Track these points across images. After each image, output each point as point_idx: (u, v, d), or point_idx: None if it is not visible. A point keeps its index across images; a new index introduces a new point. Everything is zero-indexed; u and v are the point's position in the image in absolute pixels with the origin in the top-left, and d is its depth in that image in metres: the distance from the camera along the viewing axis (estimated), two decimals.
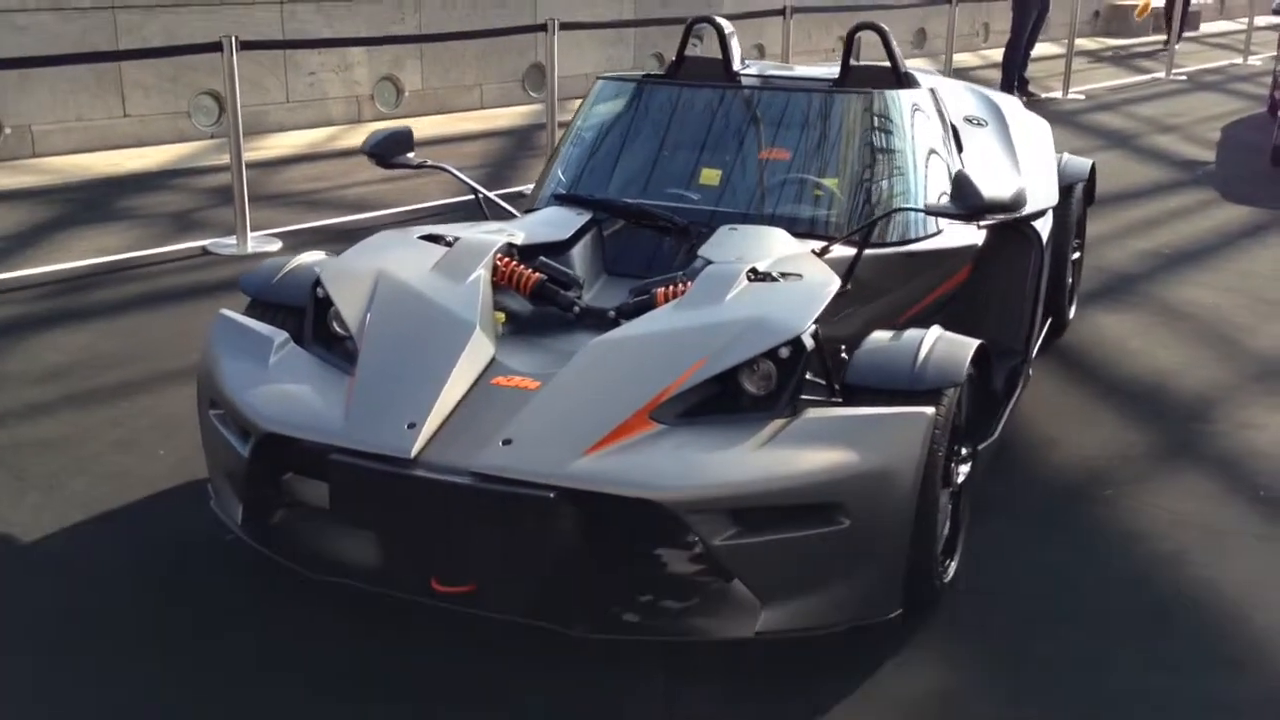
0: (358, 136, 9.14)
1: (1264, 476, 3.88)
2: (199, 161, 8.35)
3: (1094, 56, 15.26)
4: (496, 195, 4.33)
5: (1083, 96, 12.16)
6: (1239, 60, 15.39)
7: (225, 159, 6.37)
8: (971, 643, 2.98)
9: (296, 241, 6.35)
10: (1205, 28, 18.83)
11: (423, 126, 9.71)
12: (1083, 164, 5.10)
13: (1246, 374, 4.77)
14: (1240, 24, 17.23)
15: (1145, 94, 12.57)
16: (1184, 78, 13.74)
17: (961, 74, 12.47)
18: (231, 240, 6.35)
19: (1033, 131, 4.88)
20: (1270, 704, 2.78)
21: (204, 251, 6.24)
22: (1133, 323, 5.35)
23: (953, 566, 3.17)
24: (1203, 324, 5.35)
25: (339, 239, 6.33)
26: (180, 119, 8.99)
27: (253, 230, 6.38)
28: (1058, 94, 12.14)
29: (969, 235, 4.08)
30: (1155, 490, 3.77)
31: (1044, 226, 4.38)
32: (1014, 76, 11.89)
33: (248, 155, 7.04)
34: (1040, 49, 13.96)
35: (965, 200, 3.34)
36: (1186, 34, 16.75)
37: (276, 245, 6.31)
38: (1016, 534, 3.50)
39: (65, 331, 5.03)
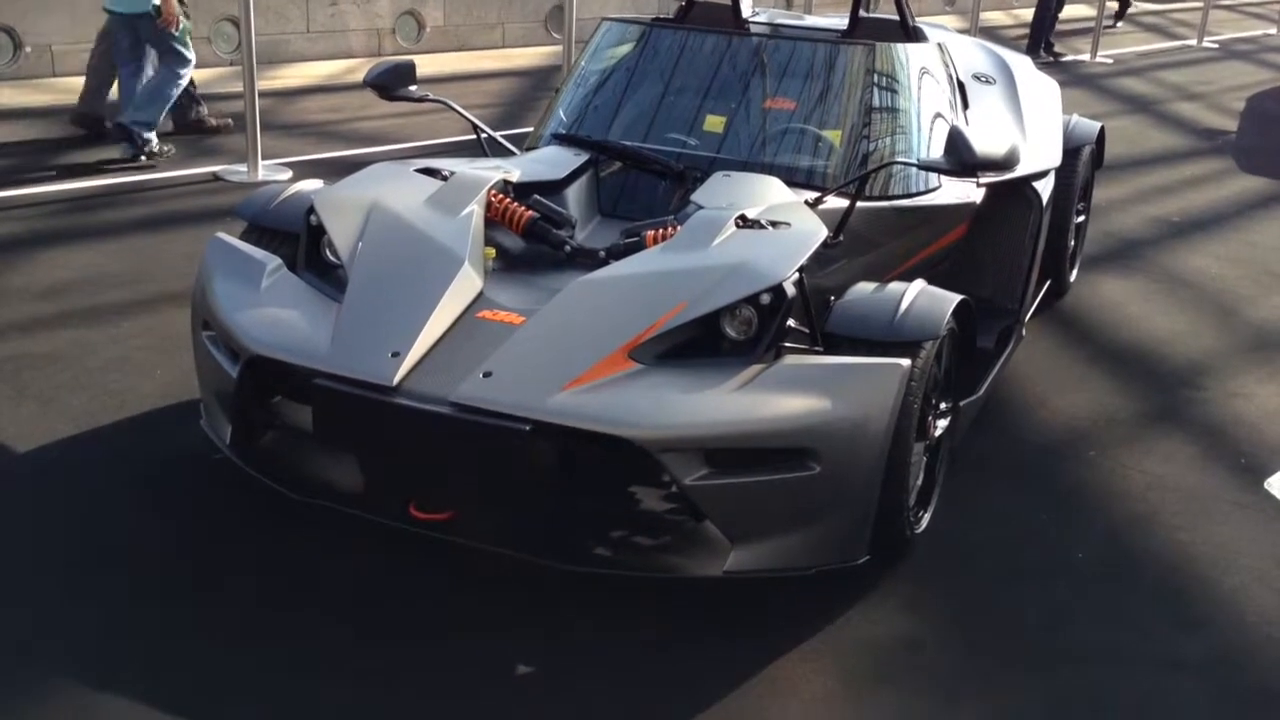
0: None
1: (1247, 444, 3.90)
2: (217, 88, 8.34)
3: (1127, 20, 15.04)
4: (506, 134, 4.35)
5: (1111, 60, 12.02)
6: (1273, 30, 15.17)
7: (240, 86, 6.38)
8: (939, 592, 3.03)
9: (307, 171, 6.37)
10: None
11: (442, 63, 9.71)
12: (1091, 126, 5.07)
13: (1242, 344, 4.78)
14: None
15: (1174, 60, 12.42)
16: (1215, 46, 13.57)
17: (989, 32, 12.34)
18: (242, 167, 6.39)
19: (1041, 92, 4.85)
20: (1224, 664, 2.82)
21: (215, 177, 6.28)
22: (1134, 288, 5.35)
23: (926, 517, 3.21)
24: (1204, 293, 5.34)
25: (349, 171, 6.31)
26: (200, 44, 8.97)
27: (264, 159, 6.41)
28: (1085, 56, 12.01)
29: (967, 193, 4.08)
30: (1138, 453, 3.80)
31: (1045, 187, 4.37)
32: (1041, 37, 11.77)
33: (265, 84, 7.06)
34: (1073, 10, 13.81)
35: (958, 156, 3.34)
36: (1222, 2, 16.52)
37: (287, 174, 6.34)
38: (994, 489, 3.54)
39: (72, 249, 5.09)
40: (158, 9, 6.35)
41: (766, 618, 2.87)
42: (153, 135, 6.48)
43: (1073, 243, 5.13)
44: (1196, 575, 3.16)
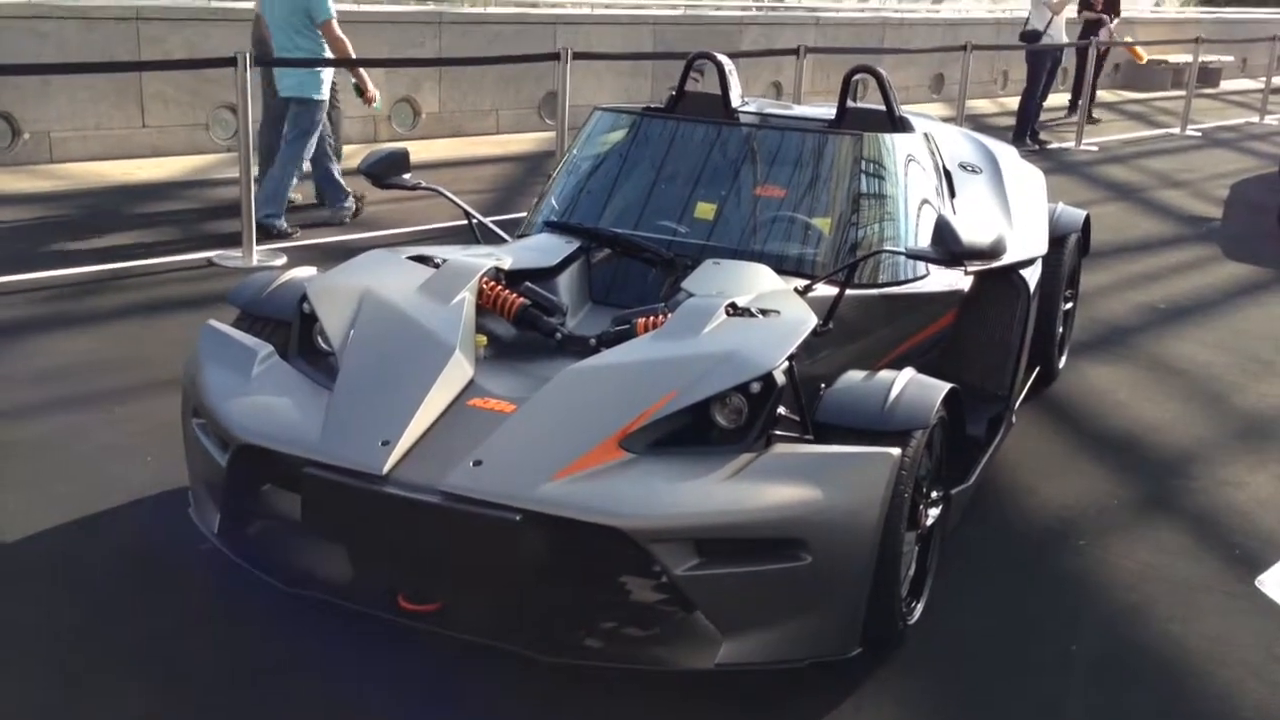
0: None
1: (1239, 534, 3.89)
2: (213, 174, 8.46)
3: (1110, 109, 15.31)
4: (499, 220, 4.39)
5: (1095, 148, 12.21)
6: (1255, 119, 15.43)
7: (237, 172, 6.46)
8: (932, 685, 3.00)
9: (302, 256, 6.42)
10: (1225, 84, 18.90)
11: (437, 149, 9.84)
12: (1076, 215, 5.14)
13: (1231, 432, 4.79)
14: (1260, 83, 17.27)
15: (1158, 148, 12.61)
16: (1199, 134, 13.79)
17: (976, 120, 12.56)
18: (238, 253, 6.43)
19: (1026, 180, 4.92)
20: None
21: (209, 263, 6.32)
22: (1122, 375, 5.37)
23: (919, 608, 3.19)
24: (1192, 380, 5.37)
25: (344, 256, 6.37)
26: (198, 131, 9.11)
27: (259, 244, 6.46)
28: (1071, 144, 12.20)
29: (955, 280, 4.12)
30: (1129, 542, 3.79)
31: (1032, 275, 4.41)
32: (1028, 125, 11.96)
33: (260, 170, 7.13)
34: (1059, 99, 14.06)
35: (945, 245, 3.38)
36: (1204, 90, 16.83)
37: (281, 260, 6.38)
38: (986, 579, 3.52)
39: (66, 335, 5.10)
40: (357, 88, 7.13)
41: (757, 713, 2.84)
42: (281, 220, 6.98)
43: (1061, 329, 5.16)
44: (1191, 669, 3.13)
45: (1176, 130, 13.84)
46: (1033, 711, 2.92)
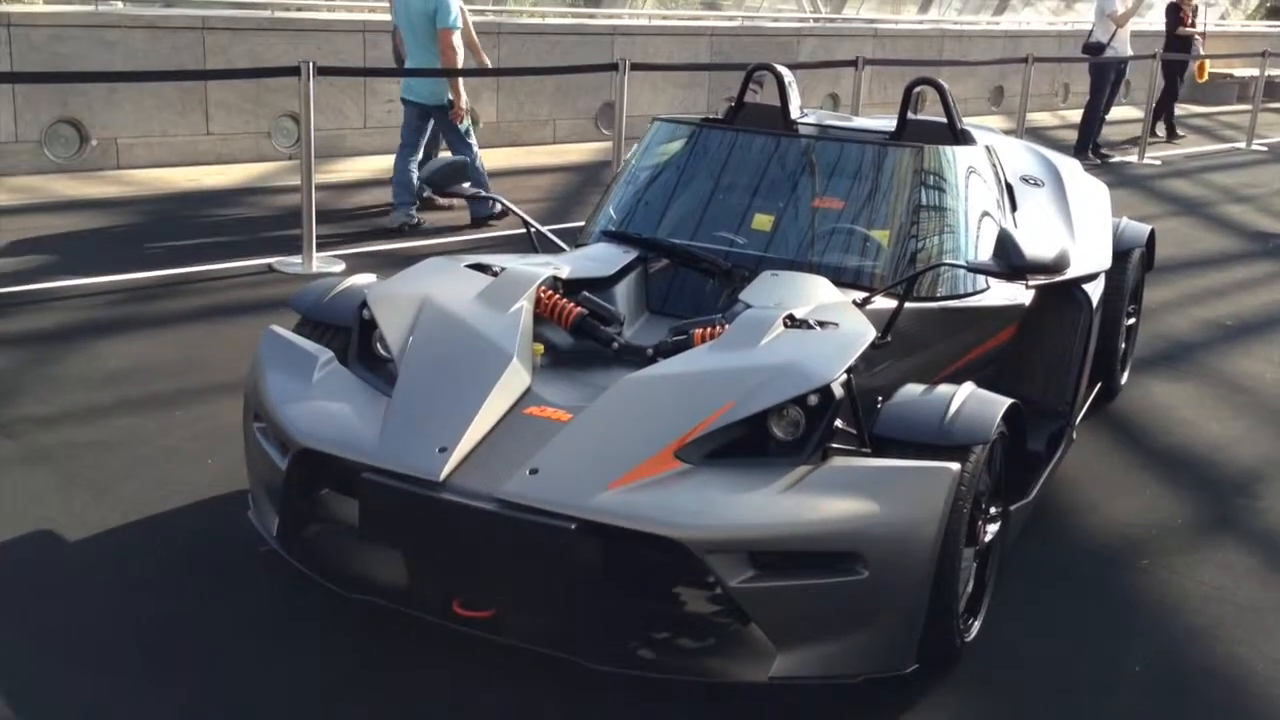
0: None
1: None
2: (275, 181, 8.57)
3: (1177, 122, 15.07)
4: (556, 229, 4.40)
5: (1159, 162, 12.04)
6: None
7: (299, 180, 6.53)
8: (990, 705, 2.95)
9: (361, 263, 6.48)
10: None
11: (495, 158, 9.88)
12: (1140, 229, 5.06)
13: None
14: None
15: (1223, 163, 12.41)
16: (1264, 149, 13.55)
17: (1036, 133, 12.43)
18: (297, 259, 6.50)
19: (1089, 194, 4.85)
20: None
21: (270, 269, 6.40)
22: (1187, 392, 5.28)
23: (976, 625, 3.15)
24: (1259, 398, 5.27)
25: (400, 264, 6.43)
26: (261, 139, 9.24)
27: (319, 250, 6.53)
28: (1134, 158, 12.03)
29: (1016, 295, 4.07)
30: (1193, 563, 3.72)
31: (1095, 290, 4.35)
32: (1090, 139, 11.82)
33: (321, 177, 7.22)
34: (1121, 112, 13.89)
35: (1007, 259, 3.34)
36: (1271, 105, 16.54)
37: (340, 266, 6.45)
38: (1046, 596, 3.47)
39: (129, 339, 5.19)
40: (451, 103, 7.36)
41: None
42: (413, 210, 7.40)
43: (1123, 345, 5.09)
44: (1257, 694, 3.06)
45: (1242, 144, 13.61)
46: None
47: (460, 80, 7.34)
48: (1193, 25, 13.61)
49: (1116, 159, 11.92)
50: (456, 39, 7.22)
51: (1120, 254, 4.80)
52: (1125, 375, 5.22)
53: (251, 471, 3.35)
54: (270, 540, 3.19)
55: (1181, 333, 6.17)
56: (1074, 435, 4.25)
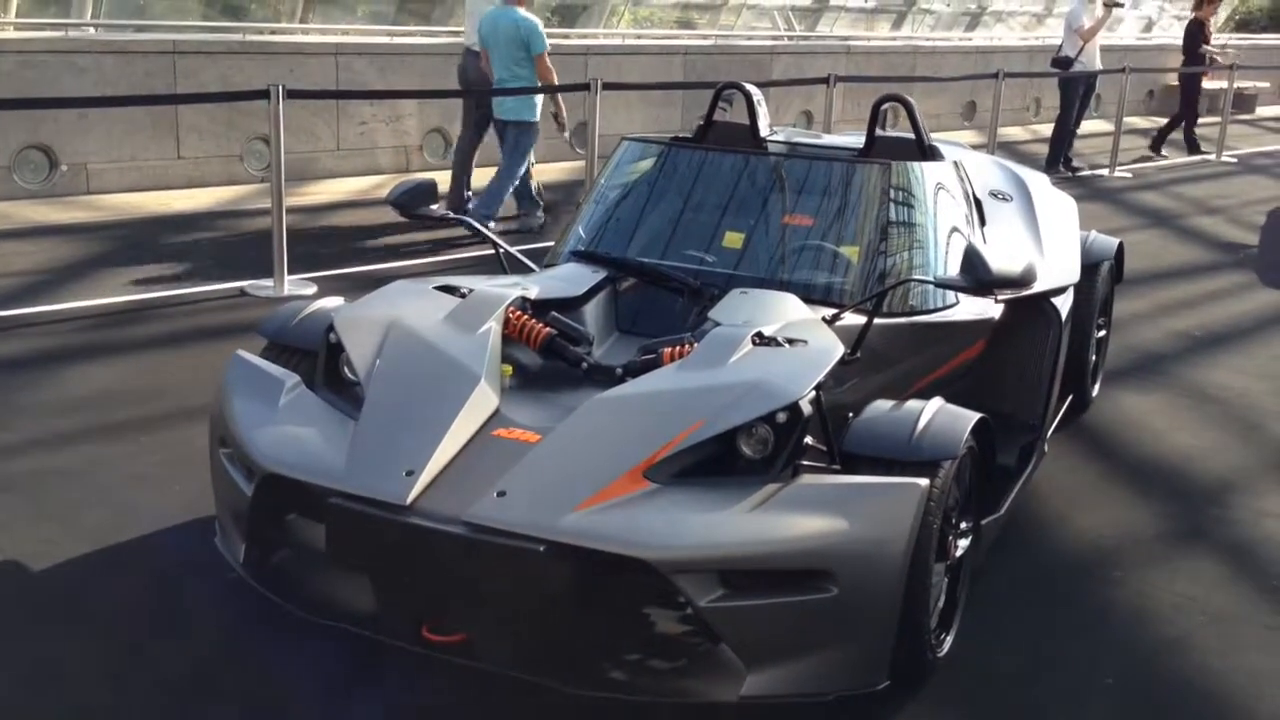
0: None
1: (1278, 567, 3.82)
2: (246, 204, 8.54)
3: (1145, 135, 15.19)
4: (526, 250, 4.38)
5: (1129, 175, 12.12)
6: None
7: (270, 203, 6.51)
8: (963, 718, 2.94)
9: (332, 286, 6.46)
10: (1261, 110, 18.75)
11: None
12: (1109, 242, 5.09)
13: (1269, 462, 4.71)
14: None
15: (1193, 175, 12.51)
16: (1234, 160, 13.67)
17: (1008, 148, 12.50)
18: (269, 283, 6.47)
19: (1057, 208, 4.88)
20: None
21: (241, 293, 6.36)
22: (1157, 403, 5.30)
23: (948, 640, 3.14)
24: (1229, 409, 5.29)
25: (372, 285, 6.35)
26: (233, 162, 9.20)
27: (290, 274, 6.50)
28: (1104, 171, 12.12)
29: (985, 309, 4.08)
30: (1165, 573, 3.73)
31: (1064, 303, 4.36)
32: (1060, 153, 11.90)
33: (294, 200, 7.21)
34: (1093, 125, 14.00)
35: (974, 274, 3.35)
36: (1240, 117, 16.70)
37: (312, 289, 6.42)
38: (1019, 610, 3.47)
39: (98, 365, 5.14)
40: (555, 115, 8.17)
41: None
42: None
43: (1094, 358, 5.11)
44: (1231, 704, 3.06)
45: (1212, 156, 13.73)
46: None
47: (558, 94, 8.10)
48: (1209, 43, 13.82)
49: (1087, 172, 12.00)
50: (548, 60, 7.90)
51: (1089, 267, 4.82)
52: (1096, 388, 5.24)
53: (218, 498, 3.32)
54: (237, 567, 3.16)
55: (1152, 344, 6.20)
56: (1045, 448, 4.26)
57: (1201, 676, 3.18)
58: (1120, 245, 5.14)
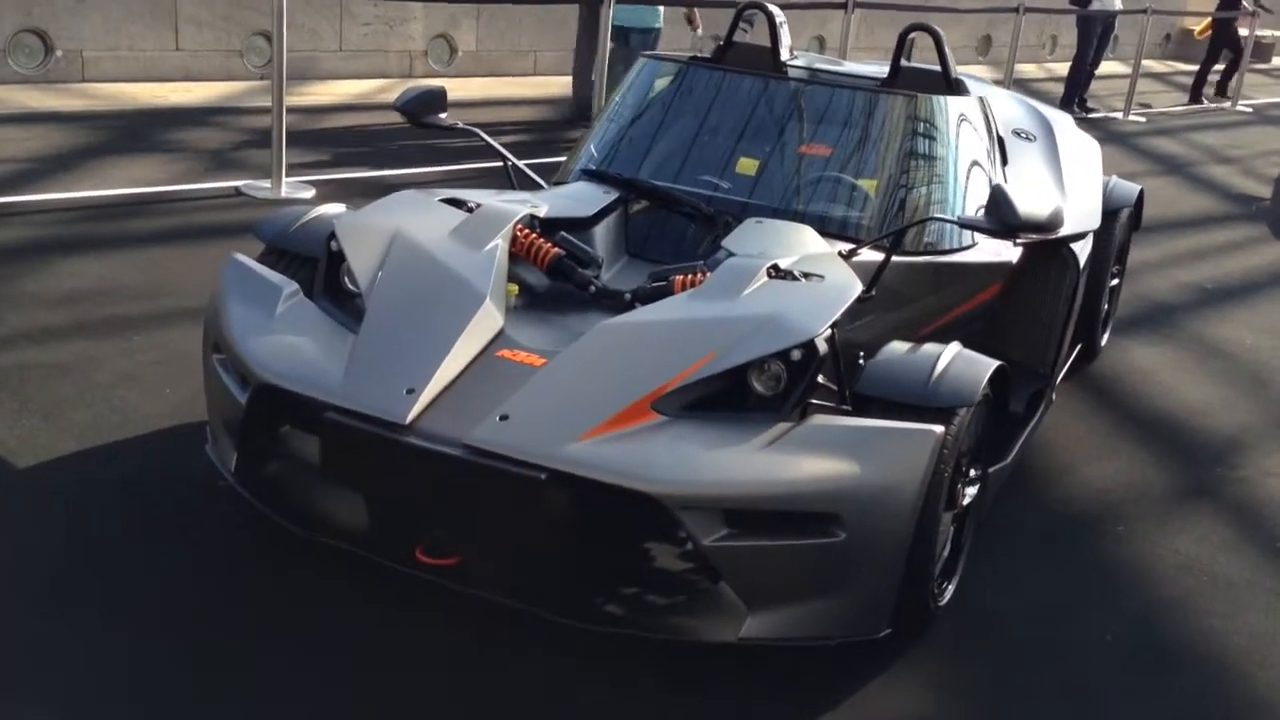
0: None
1: None
2: (245, 102, 8.34)
3: (1160, 79, 14.98)
4: (532, 164, 4.25)
5: (1143, 119, 11.95)
6: None
7: (269, 101, 6.33)
8: (964, 670, 2.90)
9: (331, 190, 6.32)
10: (1278, 60, 18.48)
11: (473, 88, 9.69)
12: (1130, 189, 4.97)
13: (1276, 420, 4.65)
14: None
15: (1207, 122, 12.34)
16: (1249, 109, 13.48)
17: (1022, 85, 12.29)
18: (266, 183, 6.32)
19: (1081, 151, 4.75)
20: None
21: (237, 192, 6.22)
22: (1166, 355, 5.23)
23: (950, 589, 3.09)
24: (1238, 364, 5.22)
25: (370, 192, 6.28)
26: (231, 57, 8.98)
27: (288, 175, 6.35)
28: (1119, 114, 11.93)
29: (1003, 252, 3.97)
30: (1170, 531, 3.67)
31: (1083, 250, 4.26)
32: (1075, 93, 11.71)
33: (294, 100, 7.02)
34: (1108, 67, 13.77)
35: (1000, 216, 3.24)
36: (1257, 65, 16.44)
37: (310, 193, 6.27)
38: (1021, 561, 3.41)
39: (88, 258, 5.02)
40: (687, 17, 8.82)
41: (780, 690, 2.75)
42: None
43: (1106, 306, 5.01)
44: (1231, 667, 3.02)
45: (1228, 104, 13.53)
46: (1065, 702, 2.82)
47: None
48: None
49: (1101, 114, 11.81)
50: None
51: (1109, 213, 4.70)
52: (1106, 337, 5.15)
53: (210, 405, 3.23)
54: (228, 476, 3.08)
55: (1162, 295, 6.11)
56: (1053, 397, 4.18)
57: (1202, 639, 3.13)
58: (1141, 193, 5.01)
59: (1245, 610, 3.28)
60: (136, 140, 7.05)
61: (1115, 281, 5.11)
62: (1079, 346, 4.77)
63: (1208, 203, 8.50)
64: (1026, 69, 14.35)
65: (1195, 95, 13.32)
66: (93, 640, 2.67)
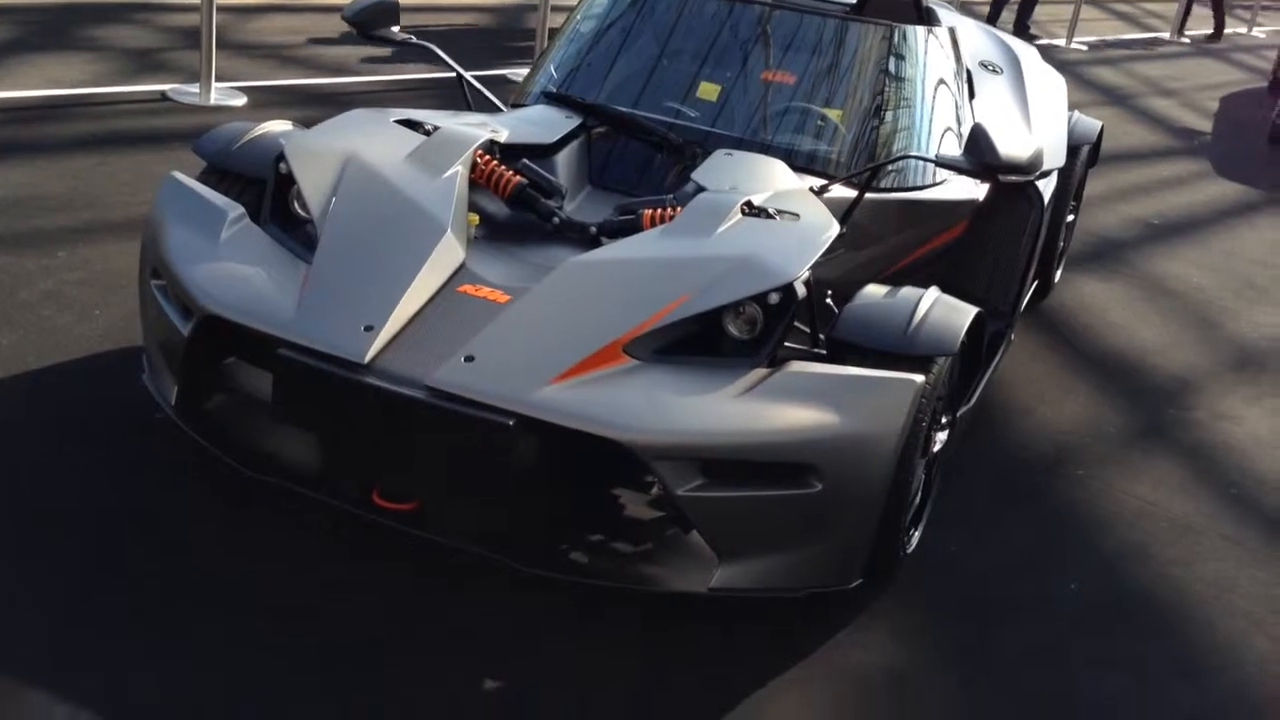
0: None
1: (1236, 473, 3.78)
2: None
3: (1099, 6, 14.94)
4: (477, 76, 4.05)
5: (1085, 47, 11.91)
6: (1244, 30, 15.17)
7: None
8: (929, 620, 2.86)
9: (263, 98, 6.03)
10: None
11: None
12: (1092, 125, 4.90)
13: (1227, 361, 4.67)
14: None
15: (1148, 53, 12.34)
16: (1187, 41, 13.51)
17: (969, 9, 12.16)
18: (194, 89, 6.01)
19: (1047, 86, 4.66)
20: (1222, 714, 2.69)
21: (163, 97, 5.91)
22: (1116, 293, 5.22)
23: (916, 536, 3.04)
24: (1187, 302, 5.23)
25: (307, 102, 6.01)
26: None
27: (218, 81, 6.04)
28: (1061, 41, 11.88)
29: (970, 189, 3.89)
30: (1127, 474, 3.67)
31: (1047, 187, 4.19)
32: (1027, 18, 11.62)
33: None
34: None
35: (980, 156, 3.14)
36: None
37: (241, 100, 5.98)
38: (984, 507, 3.38)
39: (6, 165, 4.73)
40: None
41: (750, 638, 2.69)
42: None
43: (1062, 243, 4.97)
44: (1191, 616, 3.02)
45: (1167, 35, 13.55)
46: (1029, 653, 2.80)
47: None
48: None
49: (1044, 41, 11.74)
50: None
51: (1071, 149, 4.64)
52: (1059, 273, 5.13)
53: (147, 333, 3.05)
54: (168, 409, 2.91)
55: (1110, 230, 6.10)
56: (1013, 336, 4.14)
57: (1163, 587, 3.13)
58: (1101, 129, 4.95)
59: (1203, 558, 3.28)
60: (53, 37, 6.66)
61: (1071, 218, 5.07)
62: (1035, 283, 4.73)
63: (1151, 136, 8.51)
64: None
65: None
66: (26, 586, 2.52)
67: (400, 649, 2.49)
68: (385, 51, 7.22)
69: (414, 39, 3.78)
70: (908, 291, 2.92)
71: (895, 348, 2.75)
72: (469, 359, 2.55)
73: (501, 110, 3.79)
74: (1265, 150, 8.49)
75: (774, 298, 2.70)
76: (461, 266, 2.83)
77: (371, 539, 2.77)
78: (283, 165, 3.01)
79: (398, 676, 2.42)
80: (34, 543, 2.64)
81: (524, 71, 6.69)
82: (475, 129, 3.26)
